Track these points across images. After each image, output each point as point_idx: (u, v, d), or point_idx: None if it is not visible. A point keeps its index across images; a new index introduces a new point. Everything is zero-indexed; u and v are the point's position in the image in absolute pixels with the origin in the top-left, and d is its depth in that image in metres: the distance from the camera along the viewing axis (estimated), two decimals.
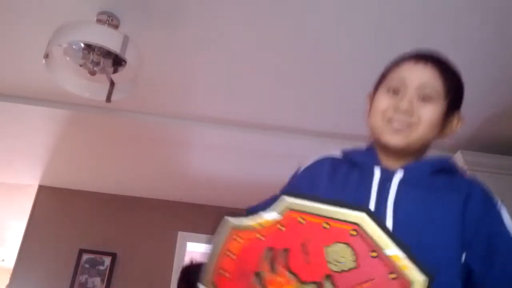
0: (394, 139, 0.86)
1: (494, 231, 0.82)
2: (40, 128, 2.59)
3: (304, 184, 0.95)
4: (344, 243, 0.59)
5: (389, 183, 0.84)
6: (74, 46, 1.86)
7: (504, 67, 2.03)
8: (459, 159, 2.42)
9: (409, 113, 0.86)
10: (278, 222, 0.65)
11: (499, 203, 0.86)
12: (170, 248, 3.03)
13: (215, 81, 2.25)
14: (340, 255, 0.59)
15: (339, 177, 0.90)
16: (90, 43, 1.82)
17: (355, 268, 0.58)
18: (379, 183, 0.85)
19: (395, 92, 0.89)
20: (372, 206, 0.82)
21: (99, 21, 1.90)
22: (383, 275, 0.57)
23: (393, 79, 0.91)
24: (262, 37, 1.97)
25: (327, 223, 0.61)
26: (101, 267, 2.97)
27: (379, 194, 0.83)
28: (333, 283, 0.58)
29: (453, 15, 1.81)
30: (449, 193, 0.83)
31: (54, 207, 3.16)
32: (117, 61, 1.89)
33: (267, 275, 0.62)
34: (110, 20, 1.91)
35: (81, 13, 1.90)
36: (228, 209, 3.11)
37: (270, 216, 0.66)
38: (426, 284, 0.55)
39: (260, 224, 0.66)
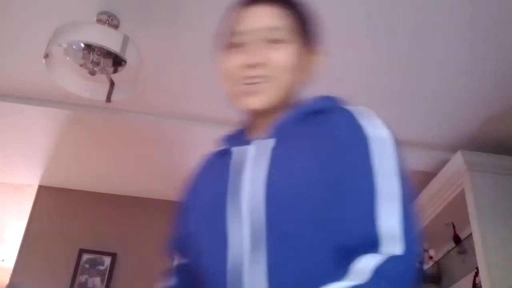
0: (254, 101, 0.76)
1: (353, 163, 0.69)
2: (40, 128, 2.59)
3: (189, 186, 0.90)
4: None
5: (244, 157, 0.74)
6: (74, 46, 1.86)
7: (504, 66, 2.03)
8: (459, 159, 2.42)
9: (261, 65, 0.74)
10: None
11: (373, 132, 0.74)
12: None
13: (215, 81, 2.24)
14: None
15: (210, 169, 0.85)
16: (90, 43, 1.82)
17: None
18: (234, 162, 0.75)
19: (239, 46, 0.77)
20: (229, 189, 0.72)
21: (99, 21, 1.90)
22: None
23: (233, 32, 0.78)
24: None
25: None
26: (101, 267, 2.97)
27: (233, 175, 0.73)
28: None
29: (453, 14, 1.81)
30: (322, 136, 0.73)
31: (54, 207, 3.16)
32: (117, 61, 1.90)
33: None
34: (110, 20, 1.91)
35: (81, 13, 1.90)
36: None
37: None
38: None
39: None
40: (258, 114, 0.79)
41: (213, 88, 2.27)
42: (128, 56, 1.82)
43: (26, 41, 2.07)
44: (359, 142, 0.71)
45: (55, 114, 2.44)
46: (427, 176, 2.65)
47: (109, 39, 1.80)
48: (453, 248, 2.63)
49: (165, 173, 2.96)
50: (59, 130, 2.59)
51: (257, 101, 0.76)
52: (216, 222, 0.72)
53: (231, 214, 0.71)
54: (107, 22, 1.91)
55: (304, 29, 0.82)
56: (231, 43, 0.79)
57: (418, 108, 2.30)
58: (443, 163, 2.53)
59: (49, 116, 2.46)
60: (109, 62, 1.89)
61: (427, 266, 2.83)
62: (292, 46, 0.78)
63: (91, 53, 1.87)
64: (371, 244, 0.64)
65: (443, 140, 2.49)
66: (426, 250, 2.86)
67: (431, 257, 2.83)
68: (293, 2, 0.81)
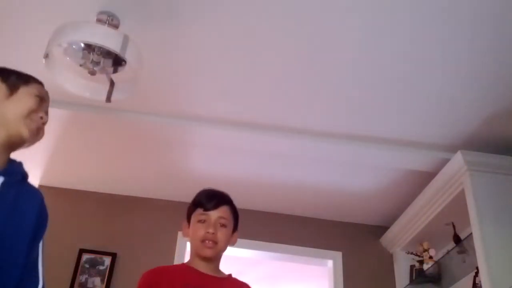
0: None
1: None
2: None
3: None
4: None
5: None
6: (74, 46, 1.85)
7: (504, 66, 2.03)
8: (459, 159, 2.41)
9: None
10: None
11: None
12: (170, 248, 3.02)
13: (216, 81, 2.25)
14: None
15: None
16: (90, 43, 1.81)
17: None
18: None
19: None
20: None
21: (99, 20, 1.90)
22: None
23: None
24: (262, 36, 1.97)
25: None
26: (101, 267, 2.96)
27: None
28: None
29: (453, 14, 1.81)
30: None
31: (54, 207, 3.14)
32: (117, 61, 1.89)
33: None
34: (110, 19, 1.90)
35: (81, 13, 1.89)
36: None
37: None
38: None
39: None
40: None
41: (213, 87, 2.28)
42: (128, 56, 1.82)
43: (25, 41, 2.07)
44: None
45: (55, 114, 2.39)
46: (427, 176, 2.65)
47: (109, 39, 1.79)
48: (453, 248, 2.63)
49: (166, 173, 2.95)
50: (59, 130, 2.58)
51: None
52: None
53: None
54: (107, 21, 1.90)
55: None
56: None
57: (417, 107, 2.30)
58: (443, 163, 2.53)
59: (49, 116, 2.44)
60: (109, 62, 1.89)
61: (427, 266, 2.82)
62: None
63: (91, 53, 1.86)
64: None
65: (443, 140, 2.49)
66: (427, 250, 2.86)
67: (431, 257, 2.83)
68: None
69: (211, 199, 1.43)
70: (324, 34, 1.94)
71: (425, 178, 2.67)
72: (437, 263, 2.79)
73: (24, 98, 1.15)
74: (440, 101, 2.25)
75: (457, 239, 2.63)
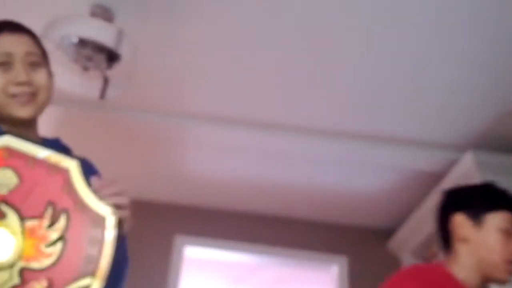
0: (23, 111, 0.94)
1: None
2: None
3: None
4: (3, 167, 0.67)
5: None
6: (66, 41, 1.81)
7: None
8: (469, 159, 2.35)
9: (29, 83, 0.95)
10: None
11: None
12: (166, 252, 2.99)
13: (214, 78, 2.22)
14: (2, 178, 0.67)
15: None
16: (83, 37, 1.77)
17: (19, 182, 0.67)
18: None
19: (4, 65, 0.94)
20: None
21: (92, 14, 1.86)
22: (44, 175, 0.67)
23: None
24: (262, 32, 1.95)
25: None
26: None
27: None
28: (9, 203, 0.66)
29: (463, 10, 1.77)
30: None
31: None
32: (112, 57, 1.85)
33: None
34: (104, 13, 1.86)
35: (74, 6, 1.86)
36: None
37: None
38: (78, 166, 0.70)
39: None
40: (18, 123, 0.96)
41: (212, 84, 2.25)
42: (123, 51, 1.79)
43: None
44: None
45: (47, 112, 2.38)
46: (436, 177, 2.60)
47: (103, 33, 1.76)
48: None
49: (162, 173, 2.93)
50: (51, 128, 2.53)
51: (28, 112, 0.96)
52: None
53: None
54: (101, 15, 1.86)
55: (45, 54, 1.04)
56: None
57: (426, 106, 2.25)
58: (452, 163, 2.48)
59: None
60: (103, 57, 1.86)
61: None
62: (46, 69, 1.02)
63: (84, 48, 1.83)
64: None
65: (452, 139, 2.44)
66: (435, 254, 2.80)
67: None
68: (36, 35, 1.03)
69: None
70: (327, 30, 1.91)
71: (434, 179, 2.62)
72: None
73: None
74: (449, 98, 2.21)
75: None
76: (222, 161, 2.75)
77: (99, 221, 0.69)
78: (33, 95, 0.96)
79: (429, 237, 2.82)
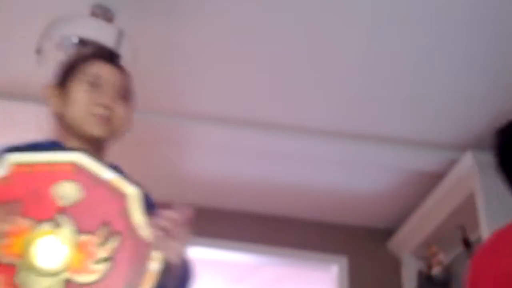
0: (96, 130, 1.00)
1: None
2: (31, 127, 2.51)
3: None
4: (69, 180, 0.70)
5: None
6: (66, 41, 1.81)
7: None
8: (468, 159, 2.35)
9: (110, 108, 1.01)
10: (4, 178, 0.71)
11: None
12: None
13: (215, 77, 2.21)
14: (67, 191, 0.70)
15: None
16: (83, 38, 1.77)
17: (82, 197, 0.70)
18: None
19: (93, 85, 1.02)
20: None
21: (92, 14, 1.86)
22: (105, 196, 0.70)
23: (89, 74, 1.03)
24: (262, 32, 1.95)
25: (52, 168, 0.71)
26: None
27: None
28: (68, 215, 0.68)
29: (461, 12, 1.78)
30: None
31: None
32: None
33: (4, 228, 0.68)
34: (104, 13, 1.87)
35: (74, 6, 1.86)
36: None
37: None
38: (139, 194, 0.72)
39: None
40: (89, 142, 1.01)
41: (211, 84, 2.25)
42: (123, 51, 1.78)
43: (17, 36, 2.03)
44: None
45: (47, 112, 2.38)
46: (435, 177, 2.59)
47: (103, 33, 1.77)
48: (463, 252, 2.58)
49: (161, 173, 2.91)
50: (51, 128, 2.54)
51: (101, 131, 1.01)
52: None
53: None
54: (101, 15, 1.87)
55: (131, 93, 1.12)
56: (87, 81, 1.03)
57: (426, 106, 2.25)
58: (452, 163, 2.48)
59: (40, 114, 2.37)
60: None
61: (436, 270, 2.78)
62: (130, 104, 1.09)
63: (84, 48, 1.83)
64: None
65: (452, 139, 2.44)
66: (435, 254, 2.81)
67: (440, 262, 2.78)
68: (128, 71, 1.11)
69: None
70: (327, 30, 1.91)
71: (433, 179, 2.61)
72: (446, 267, 2.75)
73: None
74: (449, 98, 2.20)
75: (466, 243, 2.58)
76: (222, 161, 2.75)
77: (147, 251, 0.70)
78: (109, 120, 1.01)
79: (429, 237, 2.82)
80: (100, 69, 1.04)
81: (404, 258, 3.05)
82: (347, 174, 2.78)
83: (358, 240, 3.18)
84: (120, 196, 0.71)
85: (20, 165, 0.72)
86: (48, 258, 0.68)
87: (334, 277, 3.09)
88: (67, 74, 1.07)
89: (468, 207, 2.41)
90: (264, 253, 3.09)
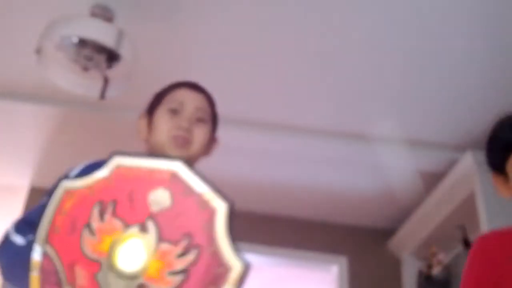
0: (175, 152, 1.05)
1: None
2: (31, 127, 2.55)
3: None
4: (163, 187, 0.71)
5: None
6: (66, 41, 1.81)
7: None
8: (468, 159, 2.34)
9: (188, 130, 1.07)
10: (107, 178, 0.74)
11: None
12: None
13: (214, 77, 2.20)
14: (159, 197, 0.70)
15: None
16: (83, 38, 1.78)
17: (170, 206, 0.70)
18: None
19: (175, 112, 1.09)
20: None
21: (92, 14, 1.86)
22: (193, 208, 0.70)
23: (172, 101, 1.12)
24: (262, 32, 1.95)
25: (151, 173, 0.72)
26: None
27: None
28: (155, 221, 0.69)
29: (463, 11, 1.78)
30: None
31: None
32: (112, 57, 1.85)
33: (96, 225, 0.70)
34: (104, 13, 1.87)
35: (74, 6, 1.86)
36: None
37: (100, 174, 0.74)
38: (228, 209, 0.70)
39: (91, 183, 0.74)
40: None
41: (211, 84, 2.23)
42: (123, 51, 1.79)
43: (16, 35, 2.03)
44: None
45: (47, 112, 2.40)
46: (435, 177, 2.59)
47: (103, 33, 1.77)
48: (463, 252, 2.57)
49: None
50: (51, 128, 2.55)
51: (181, 153, 1.06)
52: None
53: None
54: (101, 15, 1.87)
55: (215, 118, 1.18)
56: (170, 108, 1.11)
57: (426, 106, 2.25)
58: (452, 163, 2.47)
59: (40, 114, 2.42)
60: (103, 57, 1.86)
61: (436, 269, 2.77)
62: (208, 127, 1.13)
63: (84, 48, 1.83)
64: None
65: (452, 140, 2.44)
66: (435, 254, 2.80)
67: (440, 262, 2.77)
68: (213, 98, 1.19)
69: None
70: (327, 30, 1.91)
71: (433, 179, 2.61)
72: (446, 267, 2.74)
73: None
74: (449, 98, 2.20)
75: (466, 243, 2.57)
76: (222, 161, 2.73)
77: (224, 271, 0.69)
78: (188, 141, 1.06)
79: (429, 237, 2.82)
80: (183, 96, 1.12)
81: (404, 258, 3.05)
82: (348, 174, 2.77)
83: (358, 240, 3.18)
84: (207, 210, 0.71)
85: (122, 168, 0.74)
86: (129, 261, 0.68)
87: (334, 277, 3.09)
88: (155, 102, 1.16)
89: (468, 207, 2.40)
90: (264, 253, 3.08)
